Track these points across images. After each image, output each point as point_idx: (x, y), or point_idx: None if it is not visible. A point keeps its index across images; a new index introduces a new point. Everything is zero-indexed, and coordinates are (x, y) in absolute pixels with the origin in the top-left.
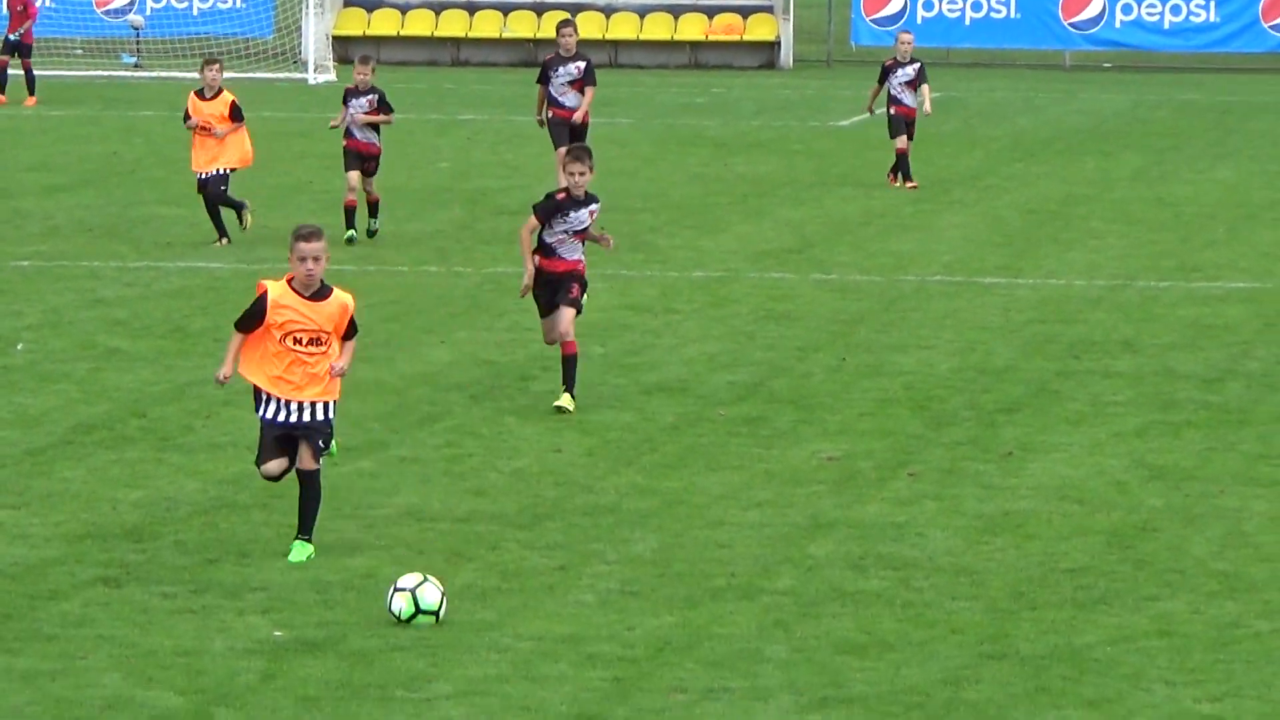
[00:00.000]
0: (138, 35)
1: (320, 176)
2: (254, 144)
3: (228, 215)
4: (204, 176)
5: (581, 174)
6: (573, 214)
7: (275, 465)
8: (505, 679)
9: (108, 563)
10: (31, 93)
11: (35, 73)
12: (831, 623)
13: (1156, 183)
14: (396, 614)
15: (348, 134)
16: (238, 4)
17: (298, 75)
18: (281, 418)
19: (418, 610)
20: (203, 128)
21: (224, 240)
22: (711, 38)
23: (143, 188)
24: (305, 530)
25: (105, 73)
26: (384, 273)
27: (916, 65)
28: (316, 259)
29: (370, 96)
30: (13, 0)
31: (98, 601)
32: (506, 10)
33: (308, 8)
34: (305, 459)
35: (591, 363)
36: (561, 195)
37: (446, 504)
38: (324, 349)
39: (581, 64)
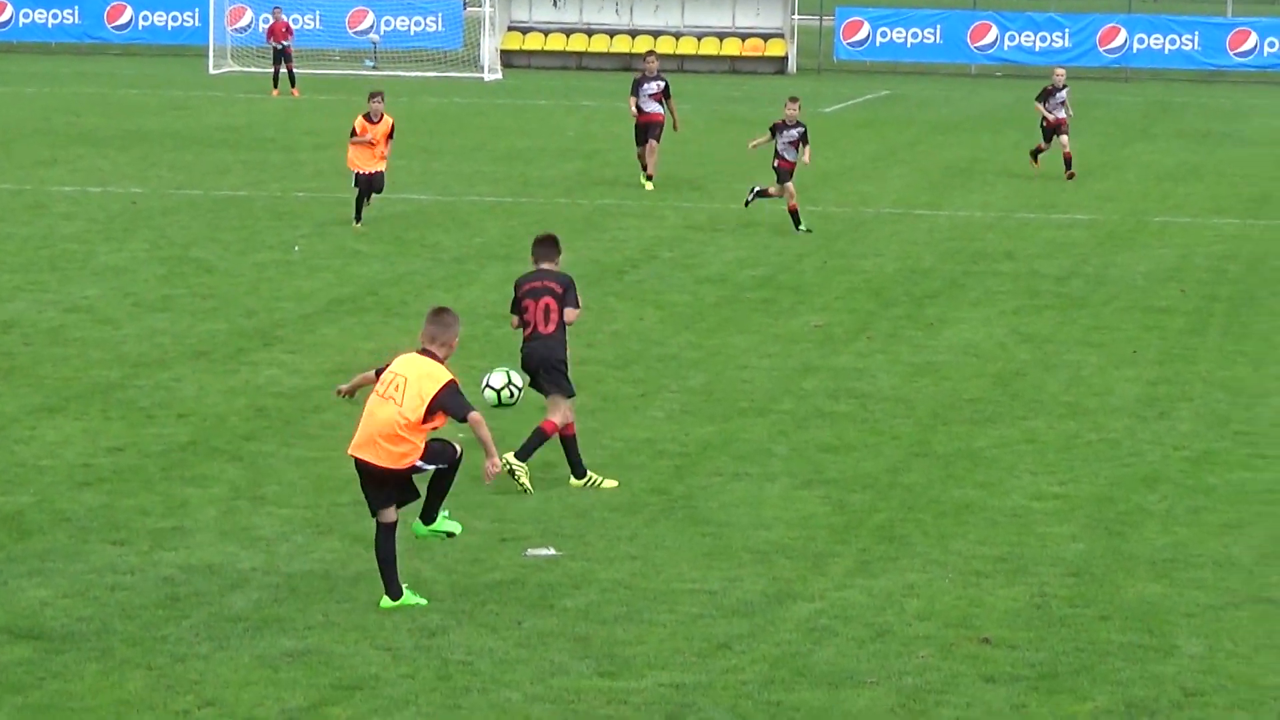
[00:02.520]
0: (375, 47)
1: (491, 139)
2: (449, 120)
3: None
4: (365, 174)
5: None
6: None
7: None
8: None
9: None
10: (293, 85)
11: (303, 71)
12: (815, 432)
13: (1029, 150)
14: (493, 397)
15: (639, 110)
16: (439, 27)
17: (476, 74)
18: None
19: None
20: (369, 143)
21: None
22: (744, 53)
23: None
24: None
25: (352, 72)
26: (532, 202)
27: (801, 129)
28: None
29: (658, 81)
30: (275, 25)
31: (344, 413)
32: (612, 35)
33: (484, 30)
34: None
35: (662, 263)
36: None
37: (569, 353)
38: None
39: (661, 82)
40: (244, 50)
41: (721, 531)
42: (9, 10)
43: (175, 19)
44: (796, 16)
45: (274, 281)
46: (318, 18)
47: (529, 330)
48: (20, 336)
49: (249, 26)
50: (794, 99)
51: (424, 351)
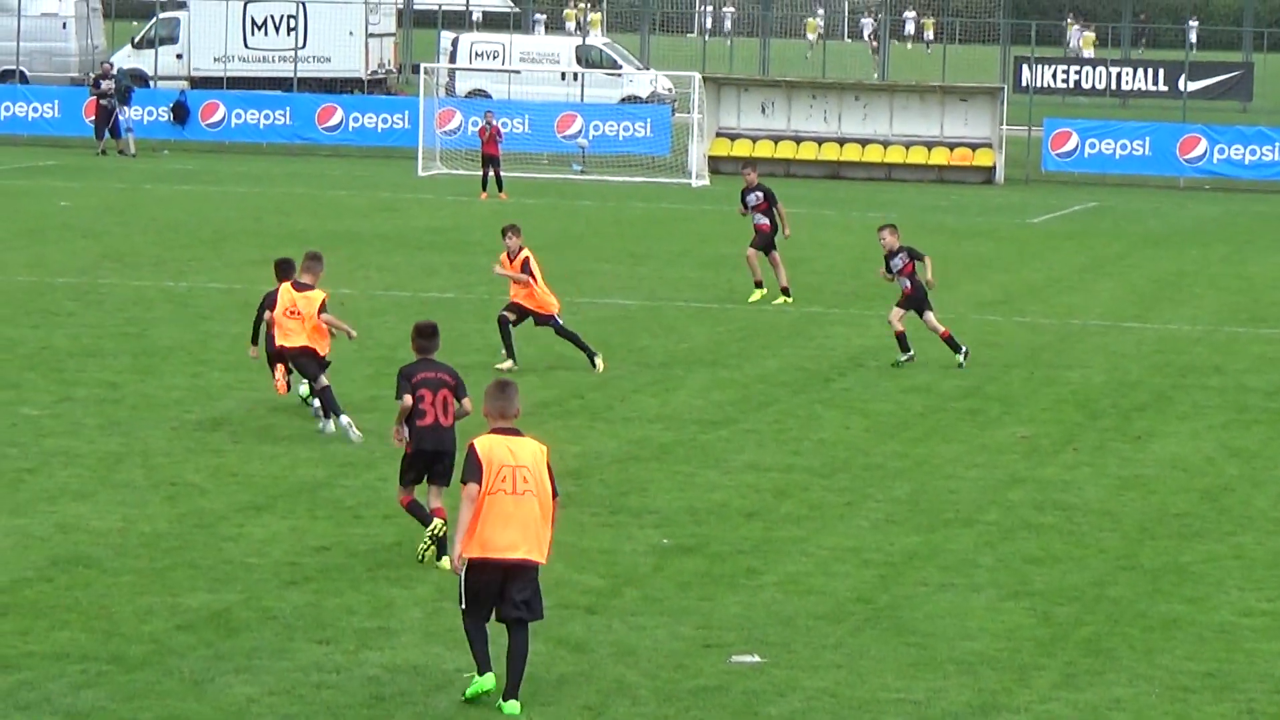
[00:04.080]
0: (583, 151)
1: (698, 245)
2: (656, 225)
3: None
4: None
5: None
6: None
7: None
8: (810, 573)
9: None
10: (501, 189)
11: (511, 175)
12: (1021, 543)
13: (1237, 264)
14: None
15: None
16: (648, 133)
17: (684, 180)
18: None
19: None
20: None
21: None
22: (951, 162)
23: (584, 251)
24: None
25: (560, 176)
26: (738, 309)
27: (904, 254)
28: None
29: (757, 193)
30: (484, 128)
31: None
32: (819, 142)
33: (692, 136)
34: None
35: (868, 371)
36: None
37: (775, 460)
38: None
39: (760, 193)
40: (453, 153)
41: (926, 641)
42: (221, 110)
43: (385, 121)
44: (1005, 127)
45: (478, 384)
46: (527, 122)
47: (428, 420)
48: (229, 434)
49: (458, 129)
50: (890, 227)
51: (508, 431)
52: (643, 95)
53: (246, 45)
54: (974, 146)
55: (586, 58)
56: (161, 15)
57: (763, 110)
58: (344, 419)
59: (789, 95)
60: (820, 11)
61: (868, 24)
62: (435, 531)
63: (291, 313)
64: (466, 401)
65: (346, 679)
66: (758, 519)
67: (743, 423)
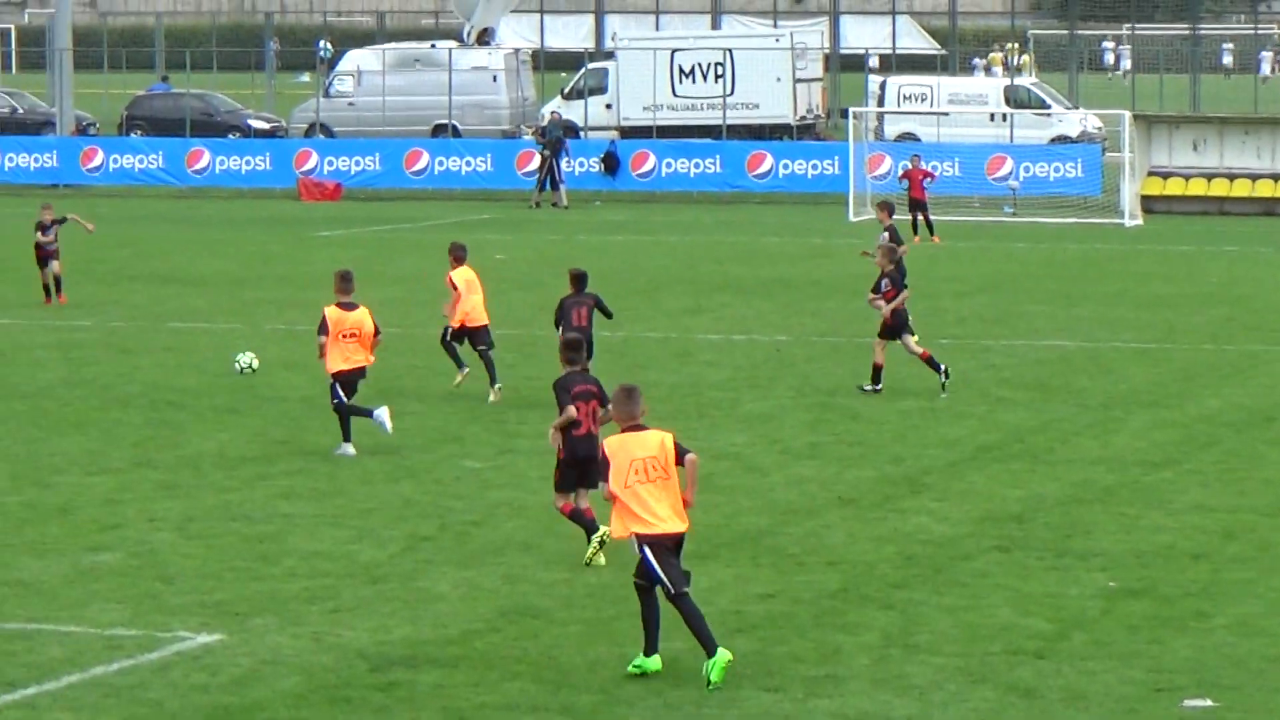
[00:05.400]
0: (1014, 193)
1: (1134, 285)
2: (1090, 266)
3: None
4: None
5: None
6: None
7: None
8: (1261, 615)
9: (999, 536)
10: (932, 233)
11: (941, 218)
12: None
13: None
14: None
15: None
16: (1079, 173)
17: (1117, 220)
18: None
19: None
20: None
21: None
22: None
23: (1018, 293)
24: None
25: (991, 219)
26: (1177, 348)
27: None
28: None
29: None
30: (913, 171)
31: (994, 561)
32: (1254, 179)
33: (1124, 175)
34: None
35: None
36: None
37: (1221, 501)
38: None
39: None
40: (883, 197)
41: None
42: (651, 159)
43: (815, 166)
44: None
45: (920, 429)
46: (956, 165)
47: (581, 430)
48: None
49: (888, 173)
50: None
51: (635, 428)
52: (1072, 135)
53: (675, 93)
54: None
55: (1015, 98)
56: (590, 66)
57: (1194, 147)
58: (381, 410)
59: (1221, 131)
60: (1228, 46)
61: (1265, 57)
62: (603, 537)
63: (349, 335)
64: (611, 408)
65: None
66: (1205, 561)
67: (1186, 463)
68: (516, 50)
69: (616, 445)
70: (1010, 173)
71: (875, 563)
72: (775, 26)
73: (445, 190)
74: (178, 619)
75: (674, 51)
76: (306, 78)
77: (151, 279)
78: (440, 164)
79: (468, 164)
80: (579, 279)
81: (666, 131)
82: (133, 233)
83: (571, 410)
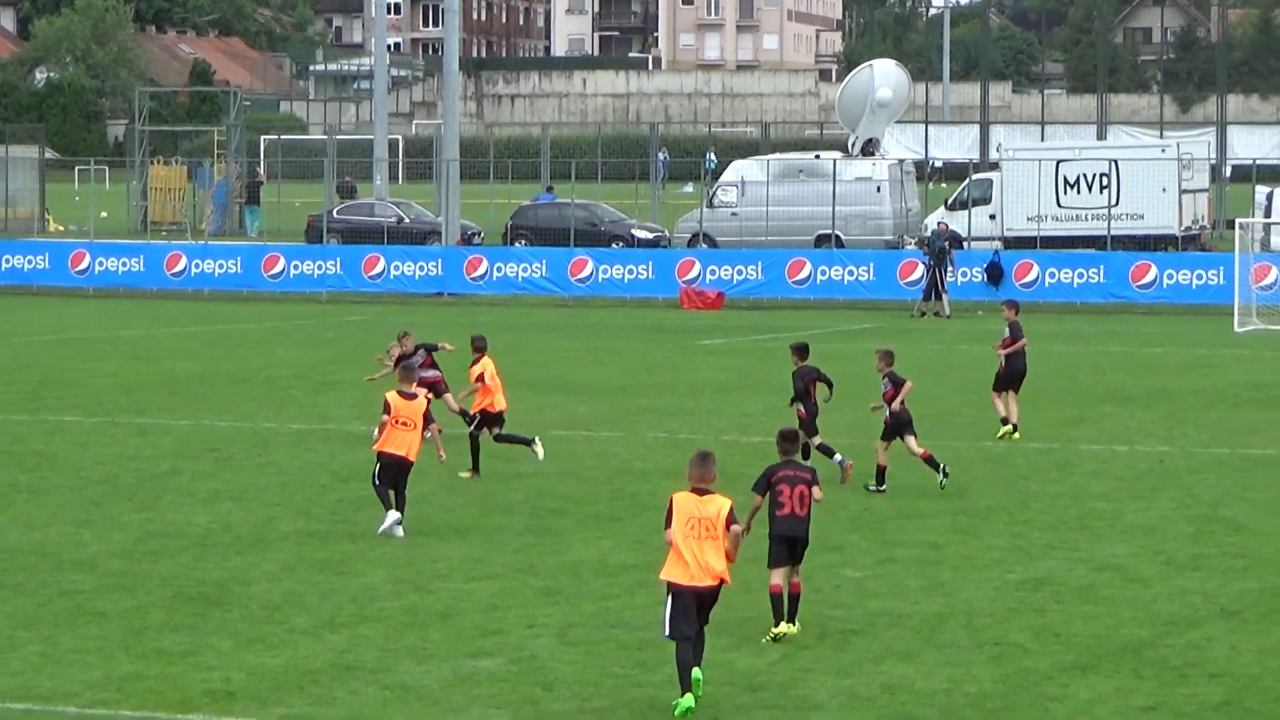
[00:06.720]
0: None
1: None
2: None
3: None
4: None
5: None
6: None
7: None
8: None
9: None
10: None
11: None
12: None
13: None
14: None
15: None
16: None
17: None
18: None
19: None
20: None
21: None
22: None
23: None
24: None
25: None
26: None
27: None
28: None
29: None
30: None
31: None
32: None
33: None
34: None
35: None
36: None
37: None
38: None
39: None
40: (1270, 309)
41: None
42: (1035, 270)
43: (1200, 277)
44: None
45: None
46: None
47: (785, 510)
48: (1052, 594)
49: (1275, 284)
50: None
51: (703, 491)
52: None
53: (1059, 204)
54: None
55: None
56: (975, 176)
57: None
58: (393, 515)
59: None
60: None
61: None
62: (780, 633)
63: (403, 422)
64: (817, 490)
65: None
66: None
67: None
68: (901, 161)
69: (684, 500)
70: None
71: (1259, 675)
72: (1161, 137)
73: (827, 300)
74: None
75: (1059, 162)
76: (690, 188)
77: (534, 387)
78: (823, 273)
79: (850, 273)
80: (800, 350)
81: (1050, 242)
82: (515, 341)
83: (756, 499)
